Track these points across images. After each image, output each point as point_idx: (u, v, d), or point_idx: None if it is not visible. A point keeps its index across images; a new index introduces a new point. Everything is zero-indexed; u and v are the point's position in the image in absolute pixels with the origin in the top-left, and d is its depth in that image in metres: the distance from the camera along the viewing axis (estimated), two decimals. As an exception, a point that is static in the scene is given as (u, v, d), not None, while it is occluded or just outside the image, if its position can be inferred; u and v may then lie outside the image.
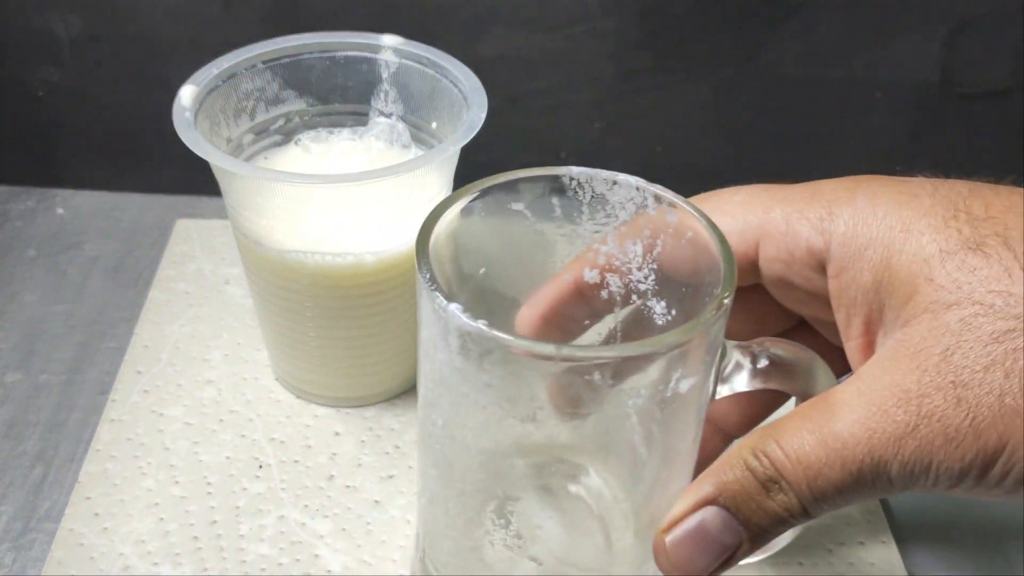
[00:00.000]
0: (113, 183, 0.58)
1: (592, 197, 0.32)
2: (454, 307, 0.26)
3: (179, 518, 0.39)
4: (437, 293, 0.27)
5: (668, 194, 0.31)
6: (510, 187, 0.31)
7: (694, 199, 0.32)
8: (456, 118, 0.41)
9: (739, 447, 0.28)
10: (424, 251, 0.28)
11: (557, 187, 0.32)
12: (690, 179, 0.45)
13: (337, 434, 0.43)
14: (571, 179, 0.32)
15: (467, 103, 0.41)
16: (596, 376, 0.26)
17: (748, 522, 0.28)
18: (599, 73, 0.55)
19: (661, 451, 0.31)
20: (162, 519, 0.39)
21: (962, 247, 0.27)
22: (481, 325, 0.26)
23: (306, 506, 0.40)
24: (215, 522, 0.39)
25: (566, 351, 0.26)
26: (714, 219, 0.30)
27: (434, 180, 0.40)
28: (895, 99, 0.56)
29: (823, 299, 0.31)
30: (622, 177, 0.31)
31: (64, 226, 0.55)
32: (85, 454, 0.42)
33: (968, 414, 0.26)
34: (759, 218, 0.31)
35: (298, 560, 0.38)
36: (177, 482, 0.41)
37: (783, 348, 0.30)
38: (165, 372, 0.46)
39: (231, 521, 0.40)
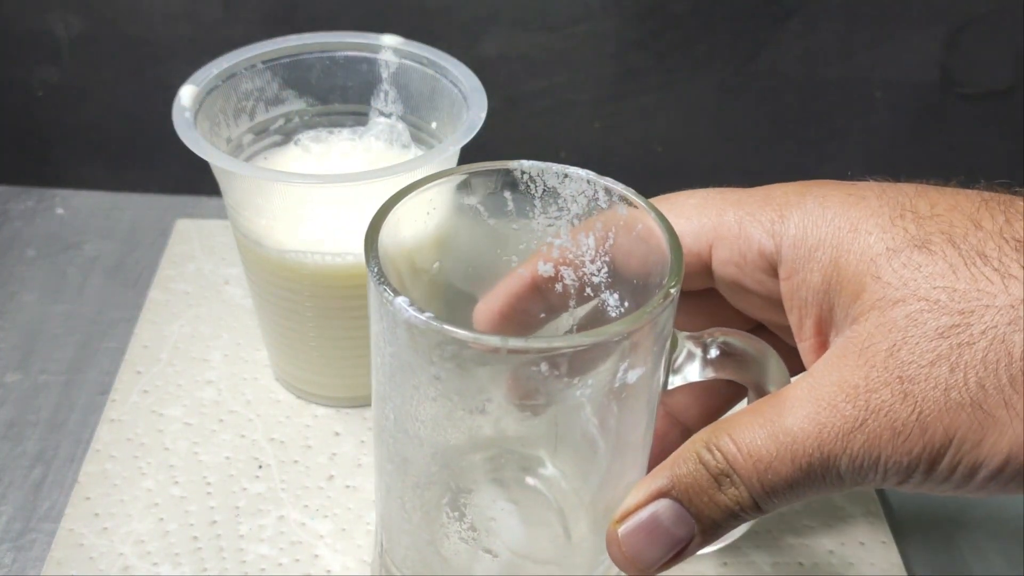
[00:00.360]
0: (113, 183, 0.58)
1: (544, 191, 0.32)
2: (401, 300, 0.27)
3: (179, 518, 0.39)
4: (385, 287, 0.27)
5: (618, 187, 0.31)
6: (463, 182, 0.32)
7: (651, 201, 0.33)
8: (456, 118, 0.41)
9: (693, 440, 0.29)
10: (372, 246, 0.28)
11: (509, 181, 0.32)
12: (690, 179, 0.45)
13: (337, 434, 0.43)
14: (523, 173, 0.32)
15: (467, 103, 0.41)
16: (544, 367, 0.26)
17: (700, 515, 0.28)
18: (599, 73, 0.55)
19: (614, 442, 0.31)
20: (162, 519, 0.39)
21: (908, 245, 0.28)
22: (428, 318, 0.26)
23: (306, 506, 0.40)
24: (215, 522, 0.39)
25: (512, 343, 0.26)
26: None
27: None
28: (895, 99, 0.56)
29: (776, 302, 0.31)
30: (573, 170, 0.32)
31: (64, 226, 0.55)
32: (85, 454, 0.42)
33: (915, 408, 0.26)
34: (712, 221, 0.32)
35: (298, 560, 0.38)
36: (177, 482, 0.41)
37: (735, 338, 0.30)
38: (165, 372, 0.46)
39: (231, 521, 0.39)
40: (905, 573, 0.39)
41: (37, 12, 0.53)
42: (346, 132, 0.45)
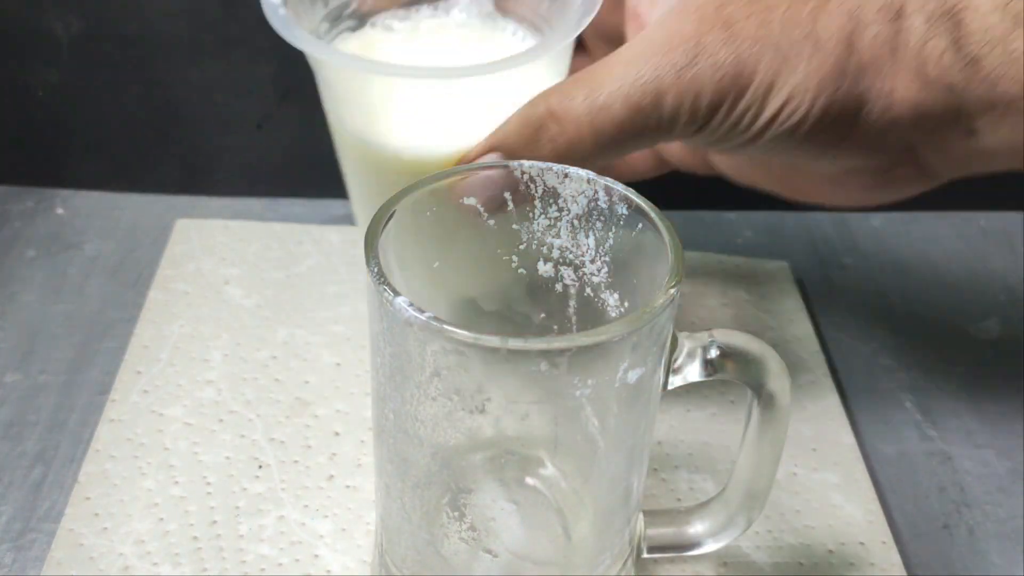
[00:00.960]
0: (113, 183, 0.58)
1: (544, 191, 0.32)
2: (400, 300, 0.27)
3: (179, 518, 0.39)
4: (385, 287, 0.27)
5: (618, 187, 0.31)
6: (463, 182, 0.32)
7: None
8: None
9: (524, 105, 0.33)
10: (372, 246, 0.28)
11: (510, 181, 0.32)
12: (690, 178, 0.45)
13: (337, 434, 0.43)
14: (523, 173, 0.32)
15: None
16: (543, 366, 0.27)
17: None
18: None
19: (614, 442, 0.31)
20: (162, 519, 0.39)
21: None
22: (428, 318, 0.26)
23: (306, 506, 0.40)
24: (215, 522, 0.39)
25: (512, 343, 0.26)
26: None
27: (547, 73, 0.37)
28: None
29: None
30: (573, 170, 0.32)
31: (64, 226, 0.55)
32: (85, 454, 0.42)
33: (734, 51, 0.32)
34: None
35: (298, 560, 0.38)
36: (177, 482, 0.41)
37: (734, 338, 0.31)
38: (165, 372, 0.46)
39: (231, 521, 0.39)
40: (905, 573, 0.39)
41: (37, 12, 0.53)
42: (426, 8, 0.41)
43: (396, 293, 0.27)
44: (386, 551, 0.35)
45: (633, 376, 0.28)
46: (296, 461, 0.42)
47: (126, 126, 0.57)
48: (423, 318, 0.26)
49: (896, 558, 0.40)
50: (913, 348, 0.51)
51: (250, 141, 0.57)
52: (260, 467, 0.42)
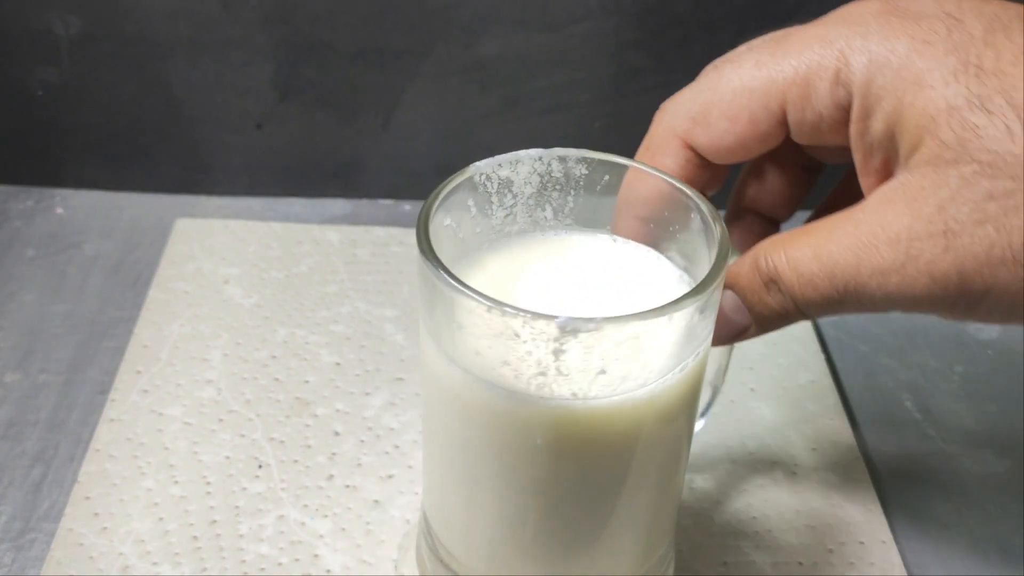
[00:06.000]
0: (113, 183, 0.58)
1: (499, 184, 0.32)
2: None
3: (178, 518, 0.39)
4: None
5: (573, 152, 0.32)
6: (442, 205, 0.31)
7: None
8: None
9: (755, 248, 0.32)
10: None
11: (470, 186, 0.32)
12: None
13: (337, 434, 0.43)
14: (480, 174, 0.32)
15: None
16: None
17: (752, 310, 0.32)
18: (599, 73, 0.55)
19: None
20: (161, 519, 0.39)
21: (967, 104, 0.28)
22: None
23: (306, 506, 0.40)
24: (215, 522, 0.39)
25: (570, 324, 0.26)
26: (728, 85, 0.33)
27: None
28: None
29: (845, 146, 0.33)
30: (524, 153, 0.32)
31: (63, 226, 0.55)
32: (84, 454, 0.42)
33: (955, 261, 0.28)
34: (778, 74, 0.32)
35: (298, 560, 0.38)
36: (176, 482, 0.41)
37: None
38: (164, 372, 0.46)
39: (231, 521, 0.39)
40: (905, 573, 0.39)
41: (37, 12, 0.53)
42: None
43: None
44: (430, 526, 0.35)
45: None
46: (296, 461, 0.42)
47: (126, 126, 0.57)
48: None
49: (896, 558, 0.40)
50: (913, 348, 0.51)
51: (250, 141, 0.57)
52: (260, 467, 0.42)
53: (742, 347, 0.47)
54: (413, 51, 0.55)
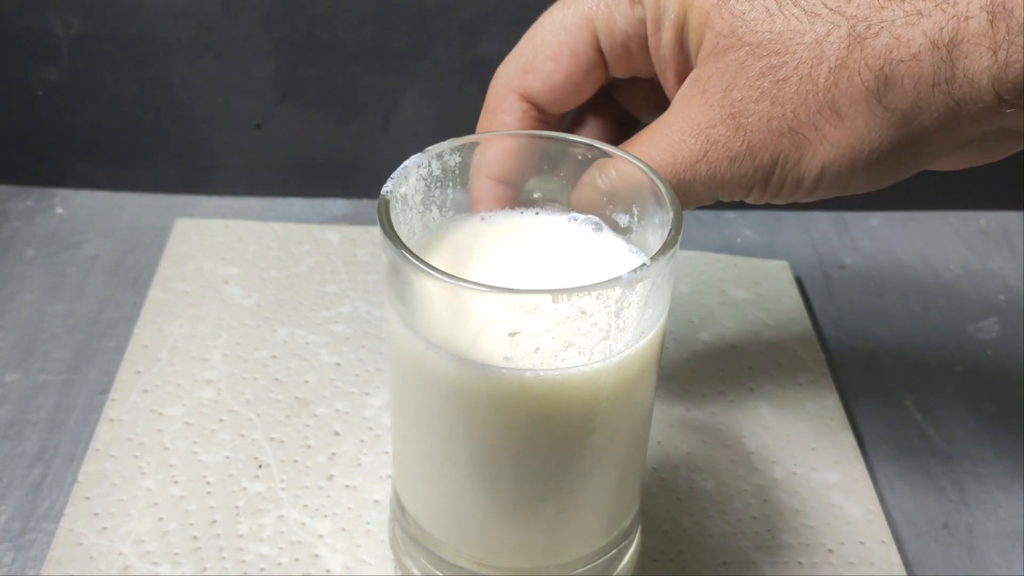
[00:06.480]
0: (113, 183, 0.58)
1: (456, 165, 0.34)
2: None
3: (178, 518, 0.39)
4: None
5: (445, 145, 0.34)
6: (402, 199, 0.34)
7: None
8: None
9: (590, 171, 0.34)
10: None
11: (437, 177, 0.34)
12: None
13: (337, 434, 0.43)
14: (438, 155, 0.34)
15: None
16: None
17: None
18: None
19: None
20: (161, 519, 0.39)
21: None
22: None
23: (306, 506, 0.40)
24: (214, 522, 0.39)
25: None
26: (547, 29, 0.35)
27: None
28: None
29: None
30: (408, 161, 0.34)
31: (63, 225, 0.55)
32: (84, 454, 0.42)
33: (745, 139, 0.32)
34: (585, 6, 0.35)
35: (298, 560, 0.38)
36: (176, 482, 0.41)
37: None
38: (164, 372, 0.46)
39: (230, 521, 0.39)
40: (905, 573, 0.39)
41: (36, 12, 0.53)
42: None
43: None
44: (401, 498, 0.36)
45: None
46: (296, 461, 0.42)
47: (126, 126, 0.57)
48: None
49: (896, 558, 0.40)
50: (913, 348, 0.51)
51: (250, 141, 0.57)
52: (260, 467, 0.42)
53: (742, 347, 0.47)
54: (413, 51, 0.55)
